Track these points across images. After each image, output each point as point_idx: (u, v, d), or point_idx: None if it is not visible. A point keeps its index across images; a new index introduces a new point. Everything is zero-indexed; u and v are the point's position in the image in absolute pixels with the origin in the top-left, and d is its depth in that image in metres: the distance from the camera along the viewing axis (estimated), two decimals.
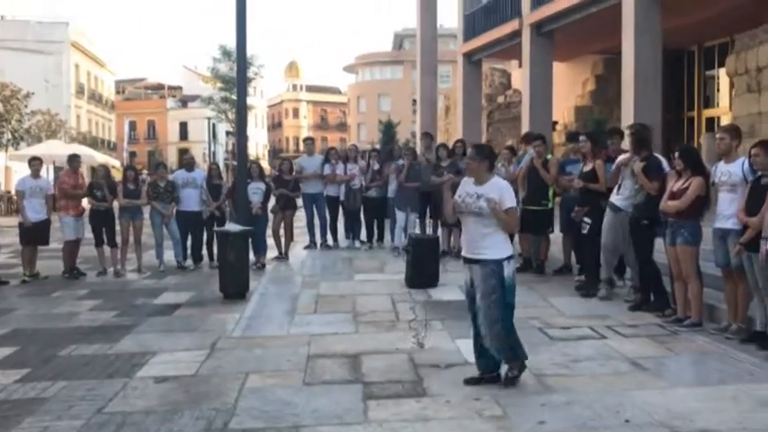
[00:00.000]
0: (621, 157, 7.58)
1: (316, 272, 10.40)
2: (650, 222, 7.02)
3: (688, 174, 6.46)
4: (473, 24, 19.25)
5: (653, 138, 7.67)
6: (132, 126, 62.66)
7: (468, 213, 4.95)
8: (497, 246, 4.90)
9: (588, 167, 8.15)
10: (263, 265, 10.70)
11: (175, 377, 5.33)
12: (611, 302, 7.65)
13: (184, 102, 69.39)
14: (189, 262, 10.92)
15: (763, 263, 5.57)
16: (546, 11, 15.14)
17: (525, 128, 15.37)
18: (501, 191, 4.92)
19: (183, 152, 24.40)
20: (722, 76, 15.98)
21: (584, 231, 8.00)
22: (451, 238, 11.11)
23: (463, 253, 5.10)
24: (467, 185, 5.05)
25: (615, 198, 7.58)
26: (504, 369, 5.03)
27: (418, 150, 12.97)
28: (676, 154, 6.63)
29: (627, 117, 11.99)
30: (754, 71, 12.77)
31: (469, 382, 5.00)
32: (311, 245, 12.53)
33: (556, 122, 18.10)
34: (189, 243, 10.99)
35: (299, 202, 12.28)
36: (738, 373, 5.20)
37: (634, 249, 7.37)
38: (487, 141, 19.59)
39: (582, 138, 8.58)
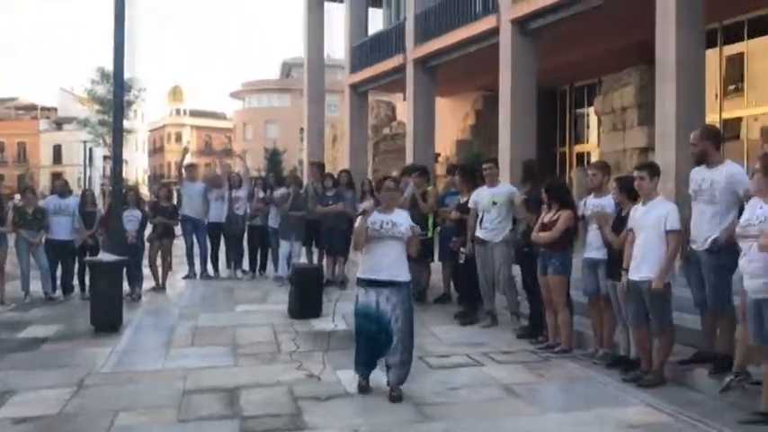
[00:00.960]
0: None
1: (194, 303, 10.08)
2: (532, 249, 7.28)
3: (557, 207, 6.81)
4: (360, 57, 19.54)
5: (538, 171, 8.07)
6: (0, 147, 59.00)
7: (387, 239, 5.37)
8: (407, 270, 5.53)
9: (464, 199, 8.44)
10: (139, 297, 10.26)
11: (37, 417, 5.00)
12: (488, 330, 7.87)
13: (59, 124, 66.16)
14: (58, 293, 10.30)
15: (623, 292, 5.92)
16: (429, 47, 15.60)
17: (409, 159, 15.69)
18: (409, 219, 5.57)
19: (57, 176, 23.14)
20: (591, 114, 17.03)
21: (461, 261, 8.26)
22: (336, 268, 11.11)
23: (370, 276, 5.43)
24: (376, 214, 5.48)
25: (479, 232, 7.90)
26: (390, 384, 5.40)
27: (305, 179, 12.90)
28: (544, 188, 6.98)
29: (504, 151, 12.50)
30: (618, 111, 13.71)
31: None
32: (190, 275, 12.15)
33: (438, 154, 18.59)
34: (59, 273, 10.40)
35: (178, 230, 11.92)
36: (603, 398, 5.47)
37: (522, 276, 7.66)
38: (374, 172, 19.84)
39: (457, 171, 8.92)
